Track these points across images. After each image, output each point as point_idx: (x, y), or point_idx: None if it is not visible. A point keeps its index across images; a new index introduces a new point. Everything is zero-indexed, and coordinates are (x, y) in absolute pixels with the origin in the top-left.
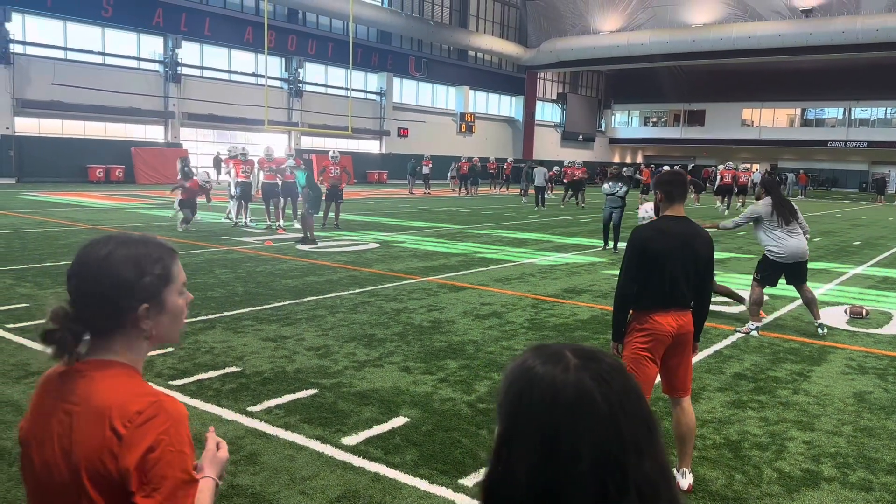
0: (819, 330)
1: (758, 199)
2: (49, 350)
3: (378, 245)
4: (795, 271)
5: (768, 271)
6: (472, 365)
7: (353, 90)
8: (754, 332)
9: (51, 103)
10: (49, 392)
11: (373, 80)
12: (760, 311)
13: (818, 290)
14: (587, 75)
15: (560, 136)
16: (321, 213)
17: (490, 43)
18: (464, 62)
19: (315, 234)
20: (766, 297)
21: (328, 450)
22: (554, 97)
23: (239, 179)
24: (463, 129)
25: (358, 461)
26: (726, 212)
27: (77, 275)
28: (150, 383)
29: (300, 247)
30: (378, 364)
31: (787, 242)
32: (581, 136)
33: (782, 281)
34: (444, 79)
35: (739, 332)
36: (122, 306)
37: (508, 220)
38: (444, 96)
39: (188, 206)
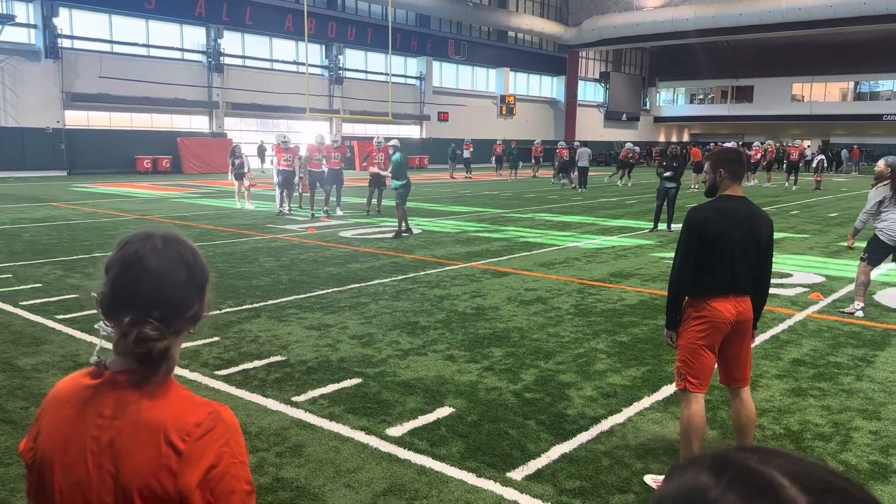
0: None
1: (879, 179)
2: (96, 359)
3: (420, 231)
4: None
5: (875, 251)
6: (517, 353)
7: (392, 75)
8: (859, 313)
9: (98, 96)
10: (73, 407)
11: (412, 65)
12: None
13: (878, 270)
14: (630, 53)
15: (603, 116)
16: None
17: (530, 23)
18: (504, 43)
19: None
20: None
21: (373, 441)
22: (596, 76)
23: (280, 168)
24: (504, 112)
25: (403, 453)
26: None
27: (155, 276)
28: (196, 373)
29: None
30: (422, 352)
31: None
32: (625, 116)
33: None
34: (484, 61)
35: (844, 312)
36: (187, 309)
37: (551, 203)
38: (485, 79)
39: None
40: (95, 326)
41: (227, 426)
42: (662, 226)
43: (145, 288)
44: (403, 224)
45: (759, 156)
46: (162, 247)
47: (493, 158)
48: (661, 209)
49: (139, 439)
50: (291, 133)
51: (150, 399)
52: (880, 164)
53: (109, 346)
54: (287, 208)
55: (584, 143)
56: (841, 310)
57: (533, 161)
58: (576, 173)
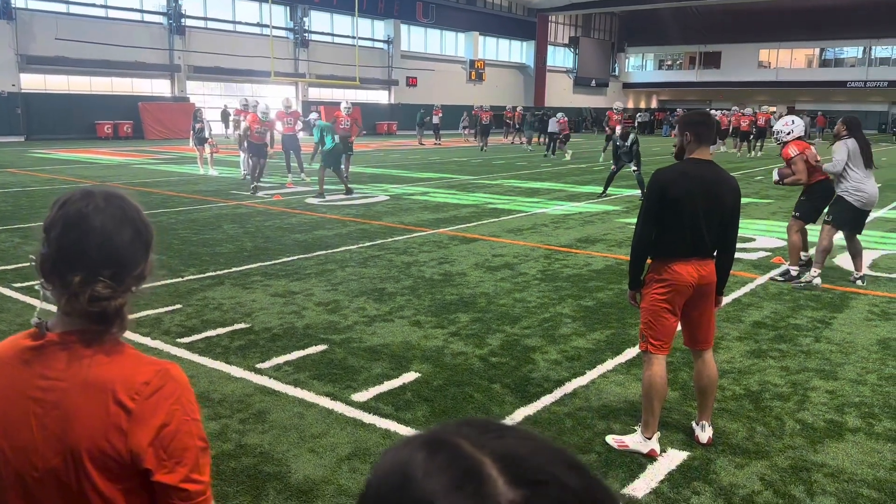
0: (858, 281)
1: (837, 137)
2: (36, 320)
3: (388, 197)
4: (861, 219)
5: (842, 214)
6: (483, 318)
7: (359, 38)
8: (817, 280)
9: (56, 59)
10: (14, 369)
11: (380, 28)
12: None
13: (838, 235)
14: (600, 18)
15: (572, 82)
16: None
17: None
18: (472, 6)
19: (324, 187)
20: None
21: (338, 407)
22: (566, 41)
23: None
24: (473, 77)
25: (368, 418)
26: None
27: (102, 235)
28: (158, 341)
29: (310, 200)
30: (388, 318)
31: (867, 186)
32: (594, 82)
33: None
34: (453, 24)
35: (800, 282)
36: (135, 266)
37: (520, 169)
38: (454, 43)
39: None
40: (36, 287)
41: (176, 384)
42: (613, 191)
43: (92, 247)
44: (319, 186)
45: (744, 122)
46: (104, 204)
47: (473, 125)
48: (613, 176)
49: (86, 399)
50: (257, 98)
51: (98, 359)
52: (838, 123)
53: (50, 307)
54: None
55: (547, 109)
56: (798, 280)
57: (505, 127)
58: (537, 140)
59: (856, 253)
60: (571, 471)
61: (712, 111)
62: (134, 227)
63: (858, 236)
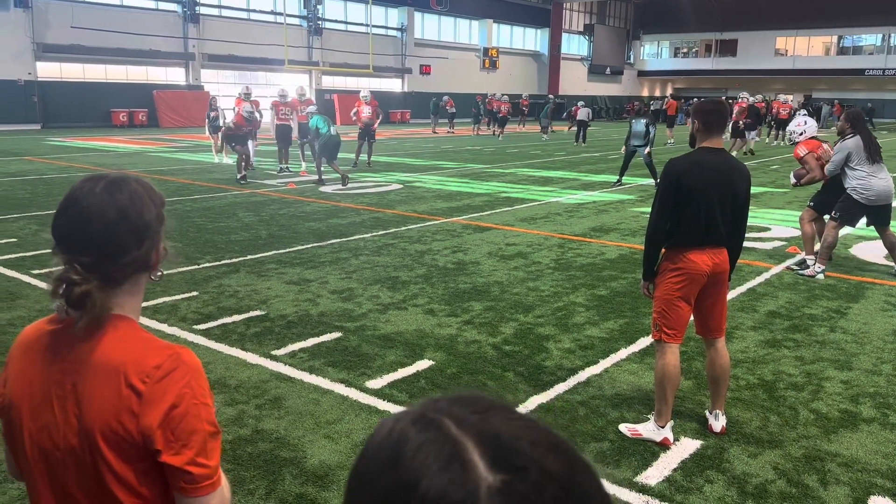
0: None
1: (841, 134)
2: (58, 304)
3: (401, 186)
4: (879, 213)
5: (849, 212)
6: (497, 307)
7: (373, 26)
8: (821, 276)
9: (71, 47)
10: (37, 352)
11: (393, 16)
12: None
13: (847, 230)
14: (615, 4)
15: (587, 70)
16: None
17: None
18: None
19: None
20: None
21: (353, 393)
22: (580, 29)
23: (277, 123)
24: (487, 65)
25: (382, 405)
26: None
27: (83, 218)
28: (175, 327)
29: (322, 189)
30: (402, 307)
31: (873, 182)
32: (609, 70)
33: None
34: (467, 12)
35: (804, 274)
36: (120, 254)
37: (534, 158)
38: (468, 31)
39: None
40: None
41: (188, 367)
42: (627, 180)
43: (74, 232)
44: (317, 172)
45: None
46: (100, 189)
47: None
48: (627, 165)
49: (100, 382)
50: (271, 86)
51: (111, 342)
52: (841, 120)
53: None
54: (285, 163)
55: (560, 97)
56: (800, 272)
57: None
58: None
59: (892, 246)
60: (554, 454)
61: (749, 98)
62: (121, 213)
63: (893, 228)
